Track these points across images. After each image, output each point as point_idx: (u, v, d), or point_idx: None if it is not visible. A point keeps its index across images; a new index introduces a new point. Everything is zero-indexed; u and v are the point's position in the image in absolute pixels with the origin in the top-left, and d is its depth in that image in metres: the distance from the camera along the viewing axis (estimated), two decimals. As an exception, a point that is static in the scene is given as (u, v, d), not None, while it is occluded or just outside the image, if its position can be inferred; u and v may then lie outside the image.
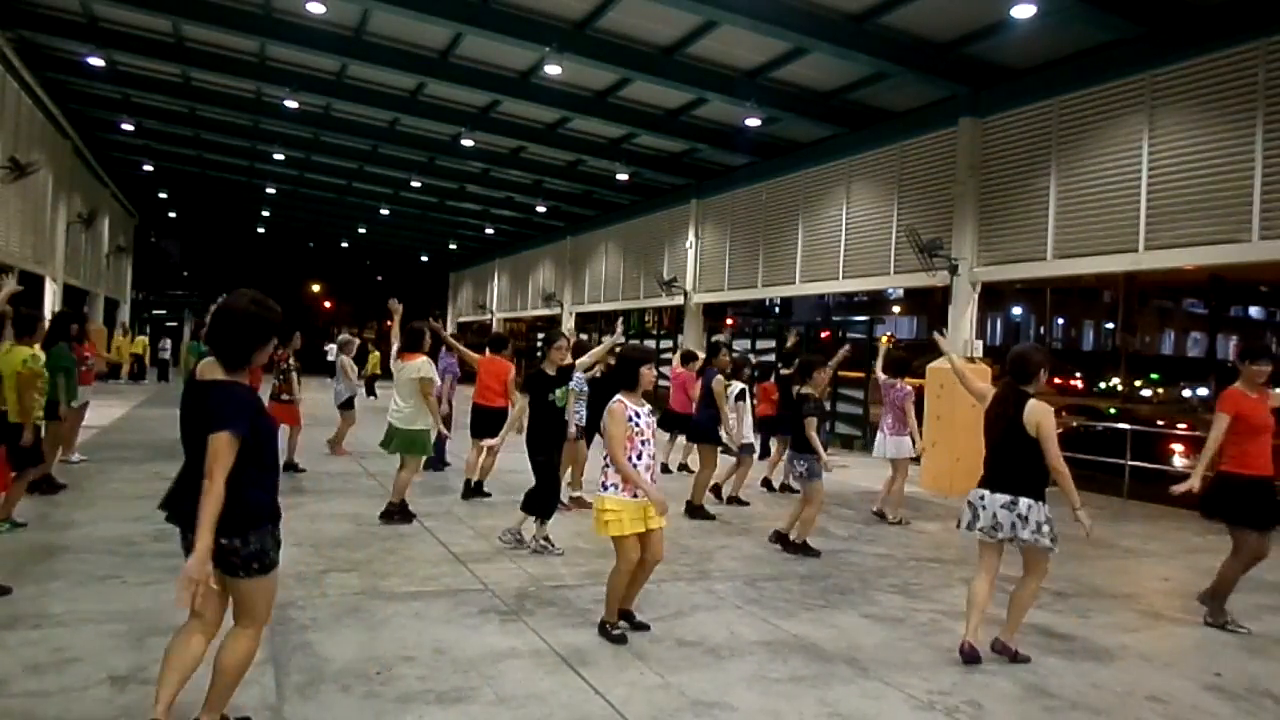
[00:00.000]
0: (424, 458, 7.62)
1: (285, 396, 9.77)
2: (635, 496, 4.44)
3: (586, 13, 11.07)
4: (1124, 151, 9.80)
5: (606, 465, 4.53)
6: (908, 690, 4.11)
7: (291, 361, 9.95)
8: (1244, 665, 4.77)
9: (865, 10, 10.11)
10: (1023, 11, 9.23)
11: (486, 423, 8.34)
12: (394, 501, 7.35)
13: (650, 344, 23.07)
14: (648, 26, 11.32)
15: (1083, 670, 4.53)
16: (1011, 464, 4.54)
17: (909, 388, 9.13)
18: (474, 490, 8.67)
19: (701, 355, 10.04)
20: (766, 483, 10.49)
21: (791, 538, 6.99)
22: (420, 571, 5.82)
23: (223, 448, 2.82)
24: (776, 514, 8.95)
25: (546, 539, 6.58)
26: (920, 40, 10.71)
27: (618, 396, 4.60)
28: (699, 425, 8.85)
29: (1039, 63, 10.74)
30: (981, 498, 4.59)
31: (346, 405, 11.41)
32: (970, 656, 4.52)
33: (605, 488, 4.50)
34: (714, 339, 14.03)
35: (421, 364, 7.30)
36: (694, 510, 8.30)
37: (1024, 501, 4.45)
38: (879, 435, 8.97)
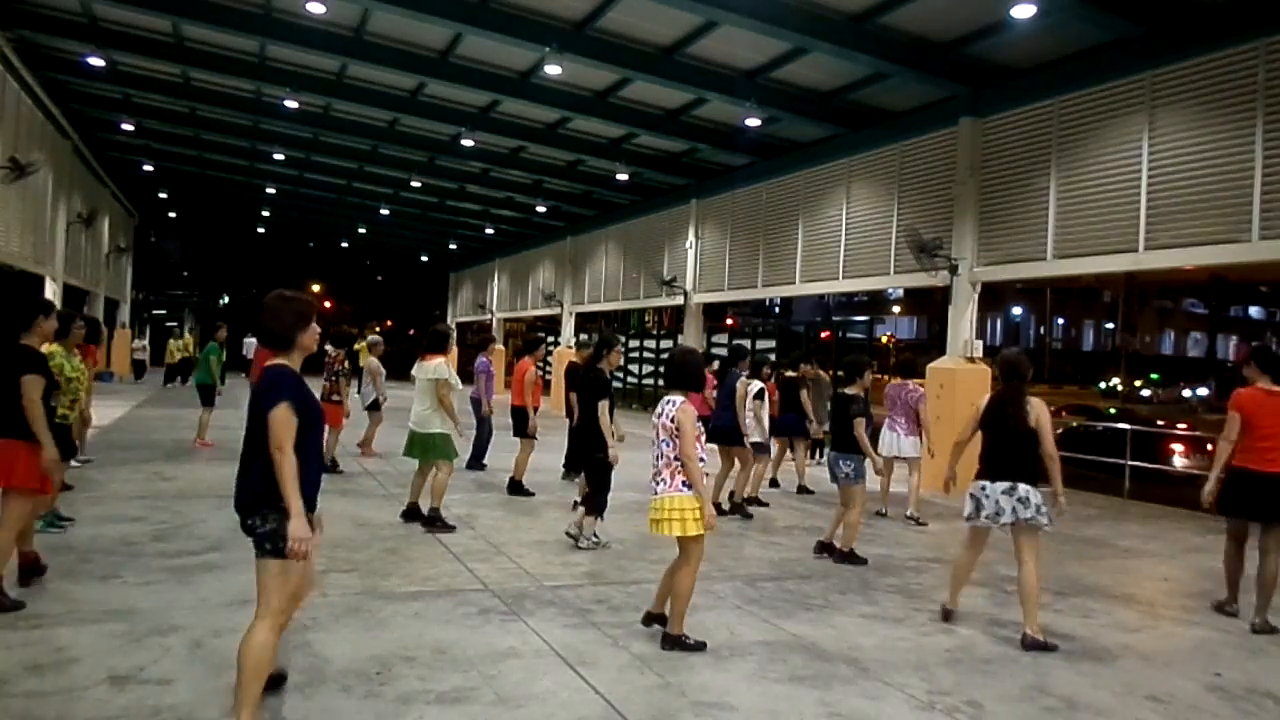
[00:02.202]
0: (450, 460, 7.22)
1: (336, 397, 9.88)
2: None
3: (586, 13, 11.06)
4: (1124, 151, 9.79)
5: (678, 465, 4.42)
6: (908, 690, 4.11)
7: (345, 364, 10.11)
8: (1244, 665, 4.77)
9: (865, 10, 10.10)
10: (1023, 11, 9.21)
11: (516, 421, 9.29)
12: (433, 507, 7.11)
13: (650, 344, 23.15)
14: (648, 26, 11.30)
15: (1083, 670, 4.53)
16: (1011, 454, 4.92)
17: (922, 389, 9.10)
18: (514, 489, 9.01)
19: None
20: (774, 482, 10.66)
21: (838, 546, 6.86)
22: (420, 571, 5.82)
23: (282, 419, 3.08)
24: (781, 515, 8.96)
25: (594, 534, 6.77)
26: (920, 40, 10.70)
27: (681, 399, 4.54)
28: (720, 428, 8.68)
29: (1039, 63, 10.72)
30: (983, 488, 4.97)
31: (374, 406, 11.49)
32: (946, 615, 5.26)
33: (686, 487, 4.41)
34: (735, 343, 14.11)
35: (438, 365, 7.03)
36: (736, 508, 8.55)
37: (1022, 487, 4.85)
38: (891, 435, 8.95)
